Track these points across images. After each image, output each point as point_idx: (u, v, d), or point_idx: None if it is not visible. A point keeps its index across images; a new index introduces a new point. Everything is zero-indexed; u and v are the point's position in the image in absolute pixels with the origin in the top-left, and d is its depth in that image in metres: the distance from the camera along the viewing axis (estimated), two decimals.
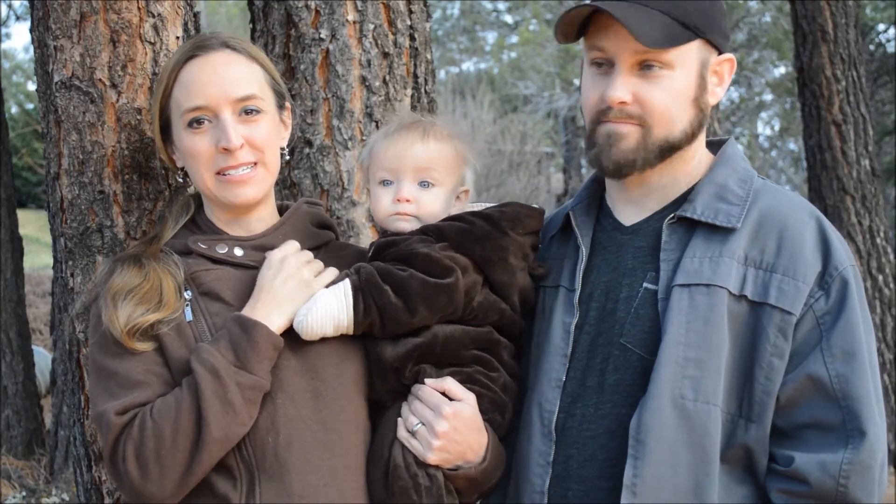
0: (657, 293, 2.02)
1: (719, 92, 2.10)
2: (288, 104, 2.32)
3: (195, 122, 2.17)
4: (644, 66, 2.02)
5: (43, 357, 10.75)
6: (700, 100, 2.07)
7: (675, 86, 2.03)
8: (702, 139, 2.15)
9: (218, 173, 2.17)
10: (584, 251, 2.16)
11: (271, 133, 2.23)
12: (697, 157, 2.14)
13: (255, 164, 2.18)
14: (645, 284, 2.05)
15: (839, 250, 1.99)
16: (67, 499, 7.44)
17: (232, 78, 2.18)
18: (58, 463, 8.05)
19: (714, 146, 2.19)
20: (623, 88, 2.02)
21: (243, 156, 2.16)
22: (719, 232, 2.02)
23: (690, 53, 2.04)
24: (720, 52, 2.10)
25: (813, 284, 1.96)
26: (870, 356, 1.96)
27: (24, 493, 7.64)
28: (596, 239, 2.18)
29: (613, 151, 2.05)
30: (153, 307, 2.10)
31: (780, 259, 1.98)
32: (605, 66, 2.06)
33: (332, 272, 2.19)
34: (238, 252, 2.21)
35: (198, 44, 2.22)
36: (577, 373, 2.11)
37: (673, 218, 2.06)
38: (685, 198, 2.09)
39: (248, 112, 2.18)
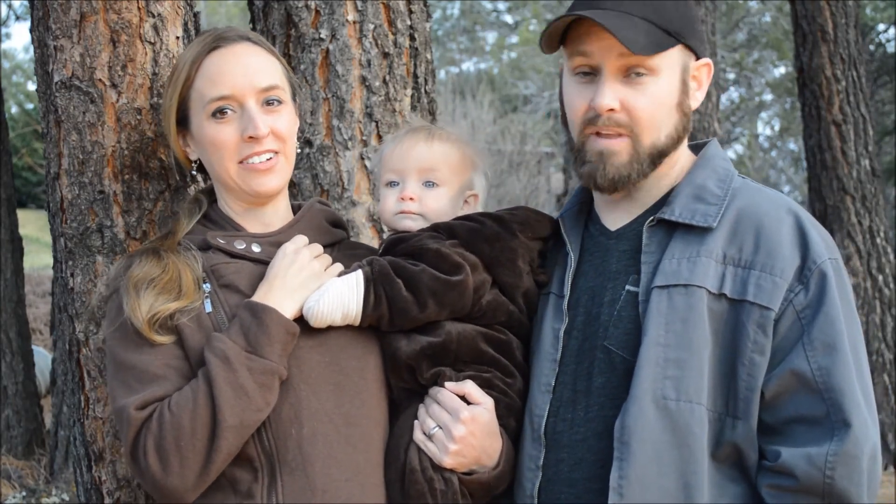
0: (638, 295, 2.03)
1: (699, 96, 2.12)
2: (297, 99, 2.35)
3: (219, 112, 2.18)
4: (629, 73, 2.03)
5: (43, 357, 10.75)
6: (683, 105, 2.09)
7: (660, 92, 2.05)
8: (684, 142, 2.16)
9: (241, 162, 2.19)
10: (572, 257, 2.18)
11: (292, 124, 2.27)
12: (679, 160, 2.15)
13: (277, 153, 2.21)
14: (627, 287, 2.07)
15: (818, 244, 1.99)
16: (67, 499, 7.44)
17: (256, 68, 2.21)
18: (58, 463, 8.06)
19: (698, 148, 2.20)
20: (611, 95, 2.03)
21: (268, 144, 2.19)
22: (697, 232, 2.02)
23: (673, 59, 2.06)
24: (698, 57, 2.12)
25: (792, 279, 1.96)
26: (853, 348, 1.96)
27: (24, 493, 7.65)
28: (584, 245, 2.20)
29: (608, 169, 2.07)
30: (173, 297, 2.11)
31: (758, 256, 1.98)
32: (591, 74, 2.06)
33: (340, 267, 2.21)
34: (255, 248, 2.23)
35: (219, 36, 2.24)
36: (567, 377, 2.12)
37: (653, 220, 2.08)
38: (666, 200, 2.10)
39: (269, 102, 2.21)
